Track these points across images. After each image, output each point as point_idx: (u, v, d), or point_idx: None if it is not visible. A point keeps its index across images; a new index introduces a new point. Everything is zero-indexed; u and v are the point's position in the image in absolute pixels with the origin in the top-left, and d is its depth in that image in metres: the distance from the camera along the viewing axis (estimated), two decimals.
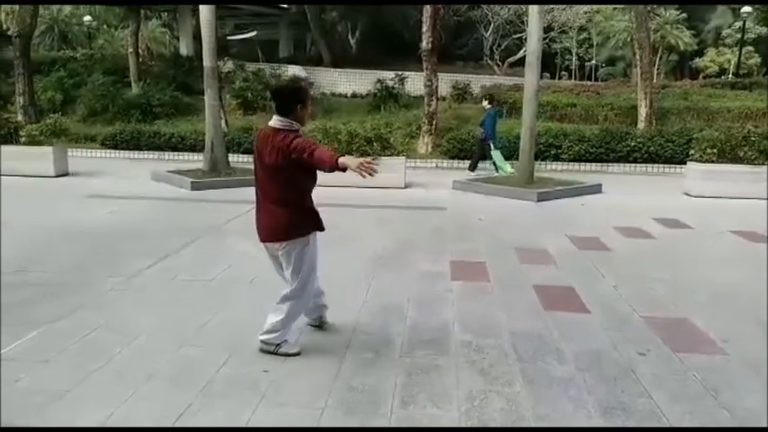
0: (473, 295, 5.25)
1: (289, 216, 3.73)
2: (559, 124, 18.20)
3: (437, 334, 4.32)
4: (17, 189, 10.53)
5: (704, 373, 3.74)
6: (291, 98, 3.68)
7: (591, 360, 3.92)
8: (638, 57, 18.91)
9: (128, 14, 24.15)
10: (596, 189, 11.53)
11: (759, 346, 4.18)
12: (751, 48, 41.59)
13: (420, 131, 17.39)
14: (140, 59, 23.36)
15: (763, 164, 11.13)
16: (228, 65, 21.64)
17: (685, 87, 23.00)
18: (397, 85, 21.79)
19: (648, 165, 15.40)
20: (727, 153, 11.46)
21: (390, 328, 4.42)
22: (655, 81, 23.57)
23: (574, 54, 47.00)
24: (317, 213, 3.88)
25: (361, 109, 20.94)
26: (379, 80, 22.05)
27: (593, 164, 15.58)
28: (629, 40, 34.16)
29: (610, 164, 15.56)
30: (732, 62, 41.07)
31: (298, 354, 3.91)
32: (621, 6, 32.55)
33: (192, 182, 11.19)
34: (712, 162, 11.41)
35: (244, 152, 15.80)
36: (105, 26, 38.86)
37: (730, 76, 36.93)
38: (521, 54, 25.84)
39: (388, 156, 11.90)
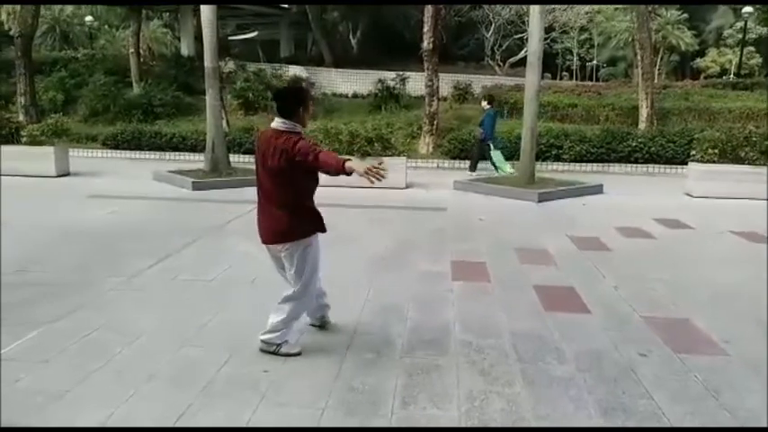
0: (474, 295, 5.25)
1: (291, 218, 3.73)
2: (560, 124, 18.18)
3: (438, 334, 4.32)
4: (18, 189, 10.54)
5: (705, 374, 3.74)
6: (293, 100, 3.69)
7: (591, 360, 3.92)
8: (639, 57, 18.89)
9: (129, 15, 24.17)
10: (597, 189, 11.52)
11: (760, 347, 4.17)
12: (752, 48, 41.59)
13: (421, 132, 17.38)
14: (142, 59, 23.38)
15: (764, 164, 11.12)
16: (230, 65, 21.64)
17: (686, 88, 22.95)
18: (398, 86, 21.79)
19: (649, 165, 15.38)
20: (729, 153, 11.45)
21: (391, 329, 4.42)
22: (656, 81, 23.55)
23: (575, 54, 47.03)
24: (318, 214, 3.88)
25: (363, 109, 20.94)
26: (380, 80, 22.04)
27: (595, 164, 15.56)
28: (630, 40, 34.11)
29: (611, 164, 15.54)
30: (733, 62, 41.06)
31: (298, 354, 3.91)
32: (623, 7, 32.50)
33: (193, 182, 11.19)
34: (713, 162, 11.41)
35: (245, 152, 15.80)
36: (107, 26, 38.93)
37: (731, 76, 36.90)
38: (522, 54, 25.80)
39: (389, 156, 11.90)
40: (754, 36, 40.39)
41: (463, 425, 3.14)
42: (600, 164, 15.56)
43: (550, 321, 4.62)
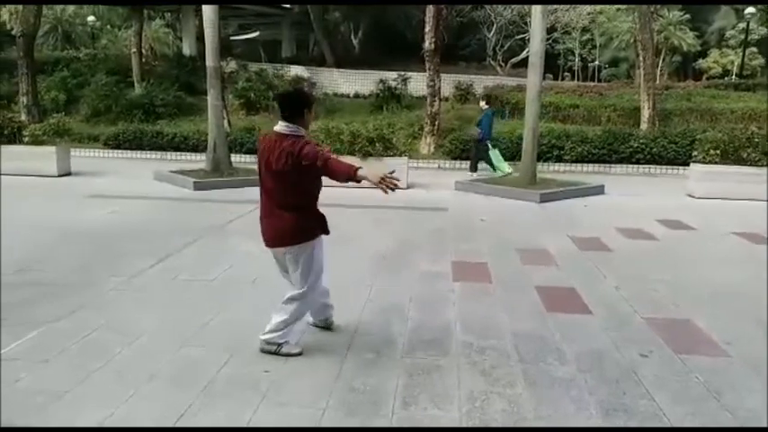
0: (475, 296, 5.24)
1: (295, 220, 3.73)
2: (562, 125, 18.19)
3: (439, 335, 4.31)
4: (20, 188, 10.55)
5: (707, 375, 3.73)
6: (297, 104, 3.70)
7: (593, 361, 3.91)
8: (641, 58, 18.87)
9: (131, 14, 24.18)
10: (599, 190, 11.51)
11: (761, 348, 4.16)
12: (754, 49, 41.47)
13: (422, 132, 17.39)
14: (143, 59, 23.41)
15: (765, 165, 11.09)
16: (231, 65, 21.65)
17: (688, 88, 22.91)
18: (399, 86, 21.79)
19: (651, 166, 15.37)
20: (731, 154, 11.43)
21: (392, 329, 4.41)
22: (658, 82, 23.53)
23: (577, 55, 46.94)
24: (323, 217, 3.89)
25: (364, 109, 20.95)
26: (381, 80, 22.05)
27: (596, 165, 15.56)
28: (632, 41, 34.02)
29: (612, 165, 15.53)
30: (735, 63, 41.00)
31: (299, 354, 3.91)
32: (625, 7, 32.42)
33: (194, 182, 11.20)
34: (715, 163, 11.39)
35: (246, 152, 15.82)
36: (109, 26, 38.96)
37: (734, 77, 36.85)
38: (523, 55, 25.78)
39: (390, 156, 11.90)
40: (756, 37, 40.32)
41: (464, 425, 3.13)
42: (601, 165, 15.55)
43: (552, 322, 4.62)
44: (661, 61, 40.14)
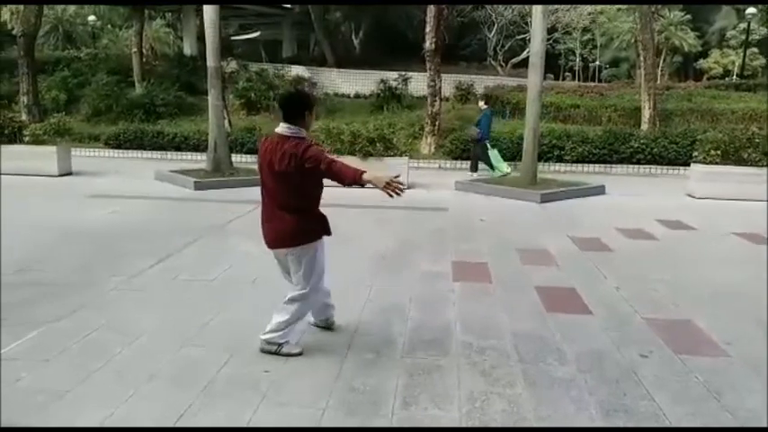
0: (475, 296, 5.24)
1: (297, 222, 3.73)
2: (563, 125, 18.20)
3: (439, 335, 4.31)
4: (20, 188, 10.56)
5: (707, 375, 3.73)
6: (298, 105, 3.70)
7: (593, 361, 3.91)
8: (641, 58, 18.88)
9: (132, 14, 24.18)
10: (599, 190, 11.51)
11: (761, 348, 4.16)
12: (755, 49, 41.42)
13: (423, 132, 17.40)
14: (144, 59, 23.41)
15: (766, 166, 11.09)
16: (232, 65, 21.67)
17: (689, 89, 22.92)
18: (400, 86, 21.79)
19: (652, 166, 15.37)
20: (731, 155, 11.43)
21: (392, 329, 4.41)
22: (658, 82, 23.50)
23: (577, 55, 46.90)
24: (324, 218, 3.90)
25: (364, 109, 20.95)
26: (382, 80, 22.06)
27: (597, 165, 15.56)
28: (632, 41, 34.02)
29: (613, 165, 15.53)
30: (736, 64, 40.97)
31: (299, 354, 3.91)
32: (626, 7, 32.42)
33: (195, 182, 11.20)
34: (716, 164, 11.38)
35: (247, 152, 15.84)
36: (109, 26, 38.96)
37: (734, 77, 36.84)
38: (524, 55, 25.78)
39: (390, 156, 11.91)
40: (757, 37, 40.28)
41: (464, 425, 3.13)
42: (602, 165, 15.56)
43: (552, 322, 4.62)
44: (662, 61, 40.14)
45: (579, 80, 44.85)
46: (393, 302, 4.98)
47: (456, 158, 15.97)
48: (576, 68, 49.37)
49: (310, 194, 3.80)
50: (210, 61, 12.17)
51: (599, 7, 31.69)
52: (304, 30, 33.68)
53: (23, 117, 17.45)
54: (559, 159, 15.68)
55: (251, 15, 31.95)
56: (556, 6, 25.27)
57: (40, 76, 21.40)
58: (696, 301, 5.21)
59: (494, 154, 13.39)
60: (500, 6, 27.95)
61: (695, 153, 12.20)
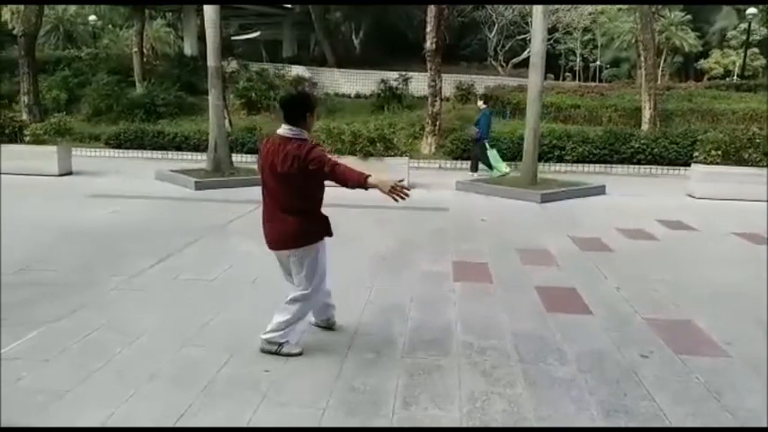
0: (475, 296, 5.24)
1: (300, 224, 3.73)
2: (563, 125, 18.20)
3: (439, 335, 4.31)
4: (21, 188, 10.56)
5: (707, 376, 3.72)
6: (300, 107, 3.70)
7: (593, 362, 3.91)
8: (642, 58, 18.88)
9: (132, 14, 24.18)
10: (600, 190, 11.51)
11: (762, 348, 4.16)
12: (756, 49, 41.43)
13: (423, 132, 17.40)
14: (145, 59, 23.41)
15: (766, 166, 11.08)
16: (232, 65, 21.66)
17: (690, 89, 22.90)
18: (400, 86, 21.78)
19: (652, 166, 15.37)
20: (732, 155, 11.43)
21: (392, 329, 4.41)
22: (659, 82, 23.50)
23: (578, 55, 46.89)
24: (326, 219, 3.90)
25: (365, 109, 20.95)
26: (382, 80, 22.04)
27: (597, 165, 15.56)
28: (633, 41, 34.06)
29: (613, 165, 15.53)
30: (737, 64, 40.95)
31: (300, 354, 3.91)
32: (626, 7, 32.44)
33: (195, 181, 11.20)
34: (716, 164, 11.38)
35: (247, 152, 15.84)
36: (110, 26, 38.96)
37: (735, 77, 36.82)
38: (525, 55, 25.77)
39: (391, 156, 11.91)
40: (757, 37, 40.29)
41: (465, 425, 3.13)
42: (602, 165, 15.55)
43: (552, 322, 4.62)
44: (662, 62, 40.14)
45: (580, 80, 44.85)
46: (393, 302, 4.98)
47: (456, 158, 15.97)
48: (577, 68, 49.37)
49: (313, 196, 3.80)
50: (211, 61, 12.17)
51: (599, 7, 31.68)
52: (304, 30, 33.68)
53: (24, 117, 17.47)
54: (560, 159, 15.67)
55: (251, 15, 31.95)
56: (556, 6, 25.26)
57: (41, 76, 21.40)
58: (696, 301, 5.21)
59: (492, 154, 13.40)
60: (500, 6, 27.93)
61: (696, 153, 12.20)
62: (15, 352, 3.86)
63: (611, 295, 5.35)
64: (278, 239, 3.81)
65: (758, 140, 11.40)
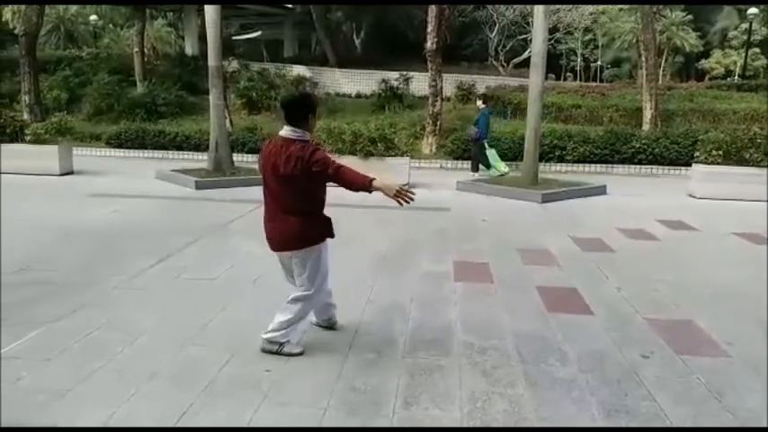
0: (476, 296, 5.24)
1: (303, 225, 3.73)
2: (564, 125, 18.18)
3: (440, 335, 4.31)
4: (22, 187, 10.57)
5: (708, 376, 3.72)
6: (302, 108, 3.70)
7: (594, 362, 3.91)
8: (643, 58, 18.85)
9: (133, 14, 24.18)
10: (601, 190, 11.50)
11: (762, 348, 4.15)
12: (757, 49, 41.40)
13: (424, 132, 17.39)
14: (146, 59, 23.40)
15: (767, 166, 11.08)
16: (233, 64, 21.65)
17: (691, 89, 22.88)
18: (401, 86, 21.78)
19: (653, 166, 15.37)
20: (733, 155, 11.42)
21: (393, 329, 4.41)
22: (660, 82, 23.49)
23: (579, 55, 46.88)
24: (329, 220, 3.90)
25: (366, 109, 20.94)
26: (383, 80, 22.03)
27: (598, 165, 15.55)
28: (634, 41, 34.04)
29: (614, 165, 15.52)
30: (738, 64, 40.93)
31: (300, 354, 3.91)
32: (627, 7, 32.43)
33: (196, 181, 11.21)
34: (717, 164, 11.37)
35: (248, 152, 15.83)
36: (111, 25, 39.00)
37: (736, 77, 36.79)
38: (526, 55, 25.76)
39: (392, 156, 11.90)
40: (759, 37, 40.27)
41: (465, 425, 3.13)
42: (603, 165, 15.55)
43: (553, 322, 4.61)
44: (663, 62, 40.10)
45: (581, 80, 44.84)
46: (394, 302, 4.98)
47: (457, 158, 15.97)
48: (578, 68, 49.37)
49: (316, 197, 3.81)
50: (212, 61, 12.17)
51: (600, 7, 31.63)
52: (305, 29, 33.69)
53: (25, 116, 17.46)
54: (561, 159, 15.66)
55: (252, 15, 31.95)
56: (557, 6, 25.23)
57: (42, 76, 21.38)
58: (697, 301, 5.21)
59: (491, 153, 13.40)
60: (501, 6, 27.91)
61: (697, 153, 12.19)
62: (16, 351, 3.86)
63: (612, 295, 5.35)
64: (280, 240, 3.81)
65: (759, 140, 11.39)
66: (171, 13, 34.83)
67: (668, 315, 4.86)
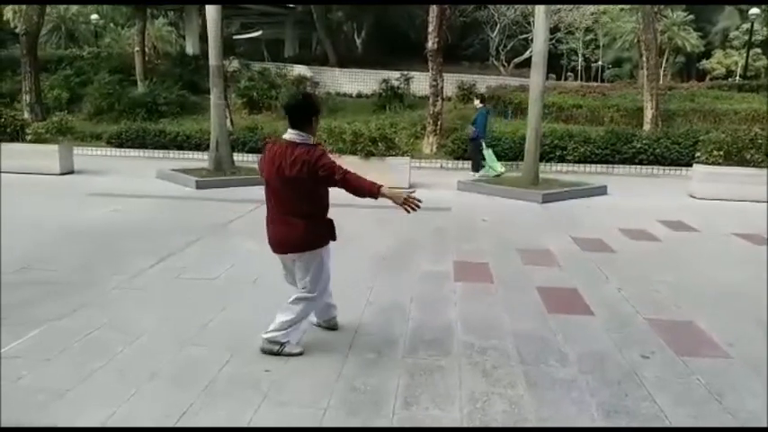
0: (476, 296, 5.24)
1: (306, 228, 3.74)
2: (565, 125, 18.17)
3: (440, 335, 4.31)
4: (22, 187, 10.57)
5: (708, 377, 3.72)
6: (305, 111, 3.71)
7: (594, 362, 3.90)
8: (644, 58, 18.84)
9: (134, 13, 24.18)
10: (601, 191, 11.50)
11: (762, 349, 4.15)
12: (758, 50, 41.38)
13: (425, 132, 17.39)
14: (146, 58, 23.39)
15: None
16: (234, 64, 21.66)
17: (692, 89, 22.85)
18: (402, 86, 21.78)
19: (654, 167, 15.36)
20: (734, 155, 11.41)
21: (393, 329, 4.41)
22: (661, 83, 23.49)
23: (580, 55, 46.86)
24: (331, 223, 3.91)
25: (366, 109, 20.94)
26: (384, 80, 22.03)
27: (599, 165, 15.54)
28: (635, 41, 34.02)
29: (615, 165, 15.51)
30: (739, 64, 40.92)
31: (300, 354, 3.91)
32: (628, 7, 32.44)
33: (196, 181, 11.21)
34: (718, 164, 11.36)
35: (249, 151, 15.84)
36: (112, 25, 39.05)
37: (737, 78, 36.79)
38: (527, 55, 25.77)
39: (392, 156, 11.90)
40: (760, 38, 40.28)
41: (465, 426, 3.13)
42: (604, 165, 15.54)
43: (553, 323, 4.61)
44: (664, 62, 40.09)
45: (581, 80, 44.80)
46: (394, 302, 4.98)
47: (458, 158, 15.96)
48: (579, 68, 49.34)
49: (321, 201, 3.82)
50: (213, 60, 12.17)
51: (602, 7, 31.64)
52: (306, 29, 33.71)
53: (26, 115, 17.48)
54: (561, 159, 15.66)
55: (253, 14, 31.97)
56: (558, 6, 25.23)
57: (43, 75, 21.39)
58: (698, 302, 5.20)
59: (488, 153, 13.39)
60: (502, 6, 27.91)
61: (697, 154, 12.18)
62: (16, 351, 3.86)
63: (612, 296, 5.34)
64: (283, 243, 3.81)
65: (760, 141, 11.38)
66: (172, 13, 34.85)
67: (669, 316, 4.85)
